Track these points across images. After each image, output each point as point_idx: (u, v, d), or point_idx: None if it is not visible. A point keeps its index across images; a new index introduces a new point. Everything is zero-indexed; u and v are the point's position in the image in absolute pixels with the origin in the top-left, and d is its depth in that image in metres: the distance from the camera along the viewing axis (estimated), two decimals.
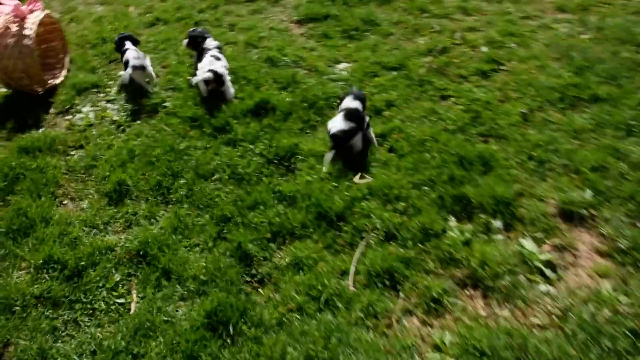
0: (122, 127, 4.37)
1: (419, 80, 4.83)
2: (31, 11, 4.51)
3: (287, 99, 4.51)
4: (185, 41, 4.93)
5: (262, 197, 3.67)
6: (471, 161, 3.93)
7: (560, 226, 3.45)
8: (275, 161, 3.98)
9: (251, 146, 4.10)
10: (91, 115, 4.48)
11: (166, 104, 4.55)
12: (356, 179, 3.86)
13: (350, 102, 4.06)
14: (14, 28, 4.37)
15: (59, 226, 3.48)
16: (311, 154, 4.01)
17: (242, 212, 3.57)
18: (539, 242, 3.36)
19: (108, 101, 4.64)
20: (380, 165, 3.91)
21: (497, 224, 3.52)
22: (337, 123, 3.99)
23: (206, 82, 4.48)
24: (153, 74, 4.81)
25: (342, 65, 5.06)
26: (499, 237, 3.37)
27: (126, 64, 4.73)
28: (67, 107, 4.57)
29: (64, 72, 4.87)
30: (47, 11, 4.68)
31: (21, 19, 4.40)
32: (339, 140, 3.97)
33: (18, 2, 4.56)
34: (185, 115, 4.39)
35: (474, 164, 3.91)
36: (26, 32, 4.35)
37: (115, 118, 4.44)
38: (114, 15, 5.92)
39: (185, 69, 4.87)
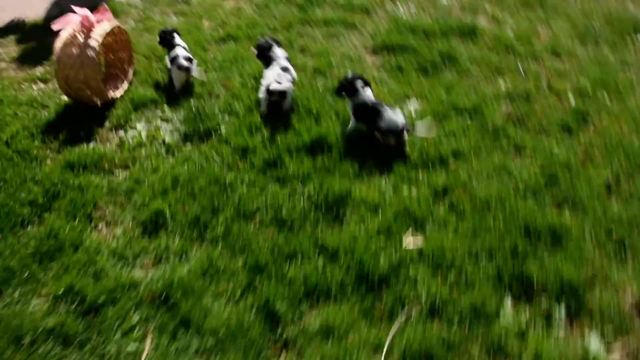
0: (171, 150, 4.21)
1: (493, 129, 4.40)
2: (99, 21, 4.41)
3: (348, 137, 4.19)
4: (254, 50, 4.88)
5: (302, 247, 3.40)
6: (539, 233, 3.50)
7: (637, 324, 2.95)
8: (323, 207, 3.68)
9: (300, 186, 3.82)
10: (143, 133, 4.35)
11: (221, 129, 4.34)
12: (407, 239, 3.51)
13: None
14: (80, 38, 4.27)
15: (87, 254, 3.34)
16: (363, 203, 3.69)
17: (278, 262, 3.32)
18: (608, 340, 2.88)
19: (163, 120, 4.50)
20: (437, 224, 3.53)
21: (561, 312, 3.11)
22: None
23: (269, 95, 4.43)
24: (197, 74, 4.85)
25: (412, 104, 4.72)
26: (561, 329, 2.93)
27: (174, 59, 4.73)
28: (121, 122, 4.47)
29: (125, 85, 4.77)
30: (115, 22, 4.56)
31: (88, 29, 4.30)
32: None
33: (87, 11, 4.47)
34: (237, 143, 4.18)
35: (543, 237, 3.49)
36: (91, 42, 4.27)
37: (167, 139, 4.29)
38: (186, 28, 5.81)
39: (247, 93, 4.66)
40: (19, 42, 5.85)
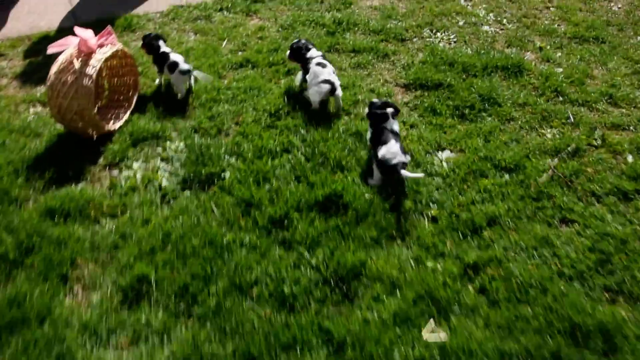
0: (167, 198, 3.73)
1: (536, 192, 3.82)
2: (101, 45, 3.93)
3: (367, 194, 3.64)
4: (288, 53, 4.78)
5: (302, 333, 2.88)
6: (588, 332, 2.92)
7: None
8: (332, 281, 3.14)
9: (308, 254, 3.29)
10: (139, 174, 3.88)
11: (225, 174, 3.83)
12: (427, 331, 2.94)
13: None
14: (77, 64, 3.80)
15: (55, 328, 2.86)
16: (379, 279, 3.13)
17: (273, 353, 2.77)
18: None
19: (163, 159, 4.02)
20: (465, 312, 2.97)
21: None
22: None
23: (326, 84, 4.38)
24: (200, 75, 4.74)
25: (445, 155, 4.14)
26: None
27: (173, 66, 4.61)
28: (116, 159, 4.02)
29: (127, 115, 4.28)
30: (119, 45, 4.09)
31: (87, 55, 3.83)
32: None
33: (90, 33, 4.01)
34: (241, 195, 3.67)
35: (591, 338, 2.91)
36: (88, 70, 3.81)
37: (164, 183, 3.80)
38: (203, 49, 5.33)
39: (259, 131, 4.18)
40: (26, 55, 5.45)
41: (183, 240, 3.39)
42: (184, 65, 4.60)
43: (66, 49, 4.01)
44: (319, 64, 4.49)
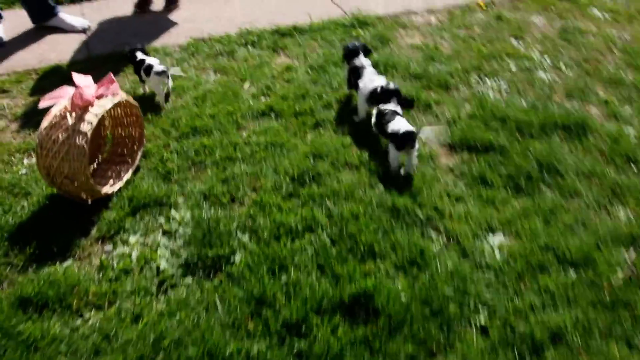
0: (165, 285, 3.13)
1: (610, 295, 3.09)
2: (100, 96, 3.36)
3: (403, 295, 2.98)
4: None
5: None
6: None
7: None
8: None
9: None
10: (135, 252, 3.30)
11: (235, 257, 3.20)
12: None
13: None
14: (70, 119, 3.24)
15: None
16: None
17: None
18: None
19: (165, 233, 3.42)
20: None
21: None
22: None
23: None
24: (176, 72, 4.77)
25: (497, 240, 3.48)
26: None
27: (148, 69, 4.65)
28: (111, 231, 3.40)
29: (128, 174, 3.70)
30: (122, 96, 3.52)
31: (82, 109, 3.26)
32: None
33: (89, 80, 3.45)
34: (252, 288, 3.04)
35: None
36: (82, 127, 3.25)
37: (163, 265, 3.21)
38: (222, 93, 4.77)
39: (278, 202, 3.60)
40: (31, 92, 4.94)
41: (178, 349, 2.77)
42: (158, 67, 4.57)
43: (60, 100, 3.43)
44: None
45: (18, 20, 6.10)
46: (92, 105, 3.47)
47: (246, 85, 5.00)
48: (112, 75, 3.63)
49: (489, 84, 5.13)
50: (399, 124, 3.89)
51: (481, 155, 4.18)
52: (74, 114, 3.42)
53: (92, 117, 3.42)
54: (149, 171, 3.96)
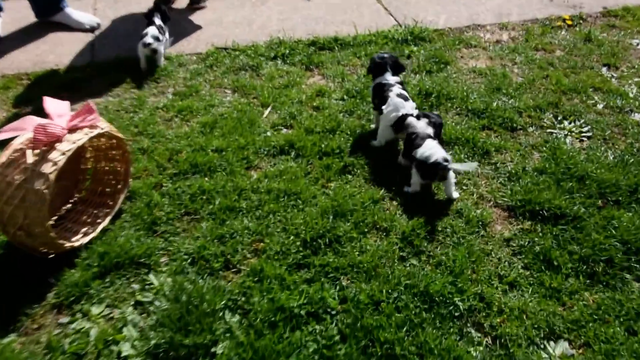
0: None
1: None
2: (74, 129, 3.01)
3: None
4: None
5: None
6: None
7: None
8: None
9: None
10: (95, 331, 2.91)
11: (216, 349, 2.79)
12: None
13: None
14: (31, 157, 2.89)
15: None
16: None
17: None
18: None
19: (137, 304, 3.01)
20: None
21: None
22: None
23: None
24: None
25: (559, 349, 3.01)
26: None
27: (142, 36, 5.12)
28: (71, 298, 3.04)
29: (105, 222, 3.34)
30: (103, 127, 3.15)
31: (48, 145, 2.91)
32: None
33: (66, 106, 3.11)
34: None
35: None
36: (45, 168, 2.89)
37: (126, 351, 2.85)
38: (237, 119, 4.42)
39: (281, 272, 3.31)
40: (16, 102, 4.67)
41: None
42: (146, 39, 5.07)
43: (23, 133, 3.09)
44: (399, 95, 4.22)
45: (21, 13, 5.89)
46: (60, 141, 3.08)
47: (267, 111, 4.56)
48: (91, 104, 3.26)
49: (566, 127, 4.55)
50: (430, 150, 3.74)
51: (548, 225, 3.63)
52: (35, 152, 3.04)
53: (58, 156, 3.06)
54: (132, 218, 3.58)
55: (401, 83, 4.30)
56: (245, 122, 4.40)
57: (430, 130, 3.92)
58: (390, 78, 4.28)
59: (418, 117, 4.01)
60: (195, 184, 3.83)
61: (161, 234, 3.53)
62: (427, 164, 3.70)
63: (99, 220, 3.58)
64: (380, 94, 4.21)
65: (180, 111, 4.51)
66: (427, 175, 3.75)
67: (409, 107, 4.11)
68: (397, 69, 4.33)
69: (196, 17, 6.10)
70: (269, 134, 4.34)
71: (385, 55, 4.35)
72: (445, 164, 3.66)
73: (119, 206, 3.65)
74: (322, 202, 3.72)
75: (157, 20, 5.30)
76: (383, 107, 4.14)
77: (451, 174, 3.78)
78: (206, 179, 3.90)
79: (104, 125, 3.40)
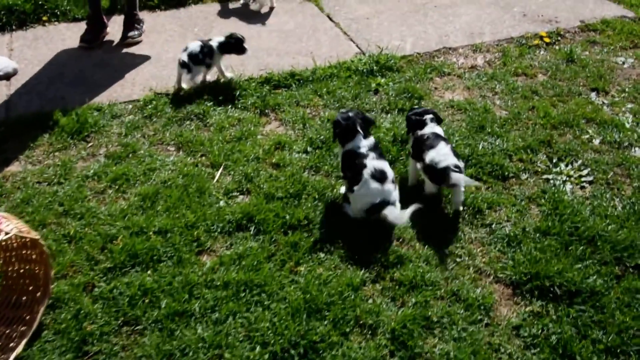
0: None
1: None
2: None
3: None
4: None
5: None
6: None
7: None
8: None
9: None
10: None
11: None
12: None
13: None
14: None
15: None
16: None
17: None
18: None
19: None
20: None
21: None
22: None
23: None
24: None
25: None
26: None
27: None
28: None
29: (20, 348, 2.66)
30: (7, 228, 2.47)
31: None
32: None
33: None
34: None
35: None
36: None
37: None
38: (182, 187, 3.86)
39: None
40: None
41: None
42: (181, 55, 4.82)
43: None
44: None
45: None
46: None
47: (218, 173, 3.94)
48: None
49: (564, 172, 4.06)
50: (440, 155, 3.63)
51: (562, 305, 3.15)
52: None
53: None
54: (56, 336, 2.94)
55: (376, 145, 3.74)
56: (193, 191, 3.77)
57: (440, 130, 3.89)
58: (362, 144, 3.66)
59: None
60: (136, 281, 3.18)
61: (94, 356, 2.85)
62: (437, 169, 3.61)
63: (12, 344, 2.88)
64: (352, 166, 3.62)
65: (115, 180, 3.84)
66: (437, 180, 3.68)
67: (387, 190, 3.55)
68: (368, 127, 3.74)
69: (131, 55, 5.42)
70: (222, 204, 3.71)
71: (350, 113, 3.74)
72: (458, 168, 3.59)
73: (38, 321, 2.96)
74: (292, 296, 3.12)
75: (214, 42, 4.97)
76: (355, 187, 3.57)
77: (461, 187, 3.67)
78: (149, 272, 3.25)
79: (14, 226, 2.71)
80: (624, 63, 5.47)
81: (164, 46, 5.62)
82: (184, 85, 4.88)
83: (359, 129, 3.67)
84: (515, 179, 4.04)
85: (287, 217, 3.63)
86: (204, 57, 4.77)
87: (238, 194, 3.88)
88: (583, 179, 4.07)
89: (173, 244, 3.43)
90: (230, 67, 5.13)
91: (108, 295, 3.14)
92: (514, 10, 6.43)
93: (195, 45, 4.81)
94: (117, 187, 3.88)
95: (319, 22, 6.12)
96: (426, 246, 3.52)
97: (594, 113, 4.69)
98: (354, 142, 3.67)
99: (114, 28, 5.87)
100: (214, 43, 4.88)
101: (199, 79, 4.88)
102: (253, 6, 6.34)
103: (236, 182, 3.95)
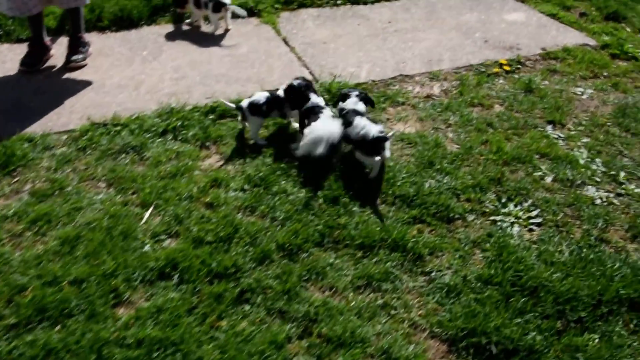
0: None
1: None
2: None
3: None
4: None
5: None
6: None
7: None
8: None
9: None
10: None
11: None
12: None
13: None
14: None
15: None
16: None
17: None
18: None
19: None
20: None
21: None
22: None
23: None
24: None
25: None
26: None
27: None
28: None
29: None
30: None
31: None
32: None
33: None
34: None
35: None
36: None
37: None
38: (107, 229, 3.63)
39: None
40: None
41: None
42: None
43: None
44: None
45: None
46: None
47: (147, 214, 3.71)
48: None
49: (512, 213, 3.90)
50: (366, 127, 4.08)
51: None
52: None
53: None
54: None
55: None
56: (118, 234, 3.55)
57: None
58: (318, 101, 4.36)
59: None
60: (40, 340, 2.95)
61: None
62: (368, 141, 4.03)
63: None
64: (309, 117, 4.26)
65: (35, 221, 3.61)
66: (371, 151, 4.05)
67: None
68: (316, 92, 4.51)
69: (72, 80, 5.18)
70: (147, 248, 3.49)
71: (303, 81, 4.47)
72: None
73: None
74: (208, 356, 2.85)
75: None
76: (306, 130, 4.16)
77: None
78: (57, 329, 3.01)
79: None
80: (582, 94, 5.32)
81: (109, 71, 5.39)
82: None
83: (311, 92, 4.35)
84: (461, 221, 3.86)
85: (214, 264, 3.41)
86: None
87: (166, 237, 3.64)
88: (532, 221, 3.90)
89: (88, 295, 3.20)
90: (175, 94, 4.90)
91: (6, 358, 2.88)
92: (475, 35, 6.25)
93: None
94: (36, 229, 3.64)
95: (273, 46, 5.91)
96: (360, 296, 3.29)
97: (548, 148, 4.52)
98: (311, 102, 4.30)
99: (60, 50, 5.61)
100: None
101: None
102: (207, 28, 6.12)
103: (165, 224, 3.71)
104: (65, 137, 4.51)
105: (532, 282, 3.39)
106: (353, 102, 4.33)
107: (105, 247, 3.50)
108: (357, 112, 4.23)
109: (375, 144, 4.04)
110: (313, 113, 4.26)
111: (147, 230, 3.68)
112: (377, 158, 4.06)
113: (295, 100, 4.39)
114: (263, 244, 3.58)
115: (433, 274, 3.48)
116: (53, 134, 4.52)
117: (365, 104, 4.39)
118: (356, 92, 4.39)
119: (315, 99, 4.36)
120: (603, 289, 3.33)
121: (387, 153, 4.13)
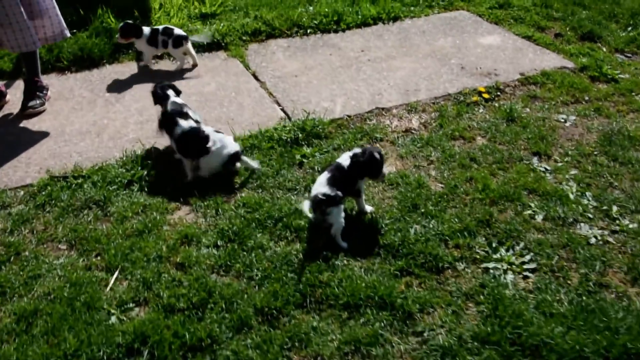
0: None
1: None
2: None
3: None
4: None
5: None
6: None
7: None
8: None
9: None
10: None
11: None
12: None
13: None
14: None
15: None
16: None
17: None
18: None
19: None
20: None
21: None
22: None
23: None
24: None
25: None
26: None
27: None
28: None
29: None
30: None
31: None
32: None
33: None
34: None
35: None
36: None
37: None
38: (69, 300, 3.36)
39: None
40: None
41: None
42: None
43: None
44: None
45: None
46: None
47: (112, 279, 3.40)
48: None
49: (505, 258, 3.65)
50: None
51: None
52: None
53: None
54: None
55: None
56: (80, 306, 3.24)
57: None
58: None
59: None
60: None
61: None
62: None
63: None
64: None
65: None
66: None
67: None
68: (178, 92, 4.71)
69: (29, 129, 4.85)
70: (113, 320, 3.18)
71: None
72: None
73: None
74: None
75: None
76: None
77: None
78: None
79: None
80: (565, 121, 5.13)
81: (69, 116, 5.07)
82: None
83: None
84: (451, 271, 3.60)
85: (187, 336, 3.10)
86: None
87: (134, 305, 3.34)
88: (526, 266, 3.66)
89: None
90: (139, 139, 4.60)
91: None
92: (451, 62, 6.05)
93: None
94: None
95: (243, 81, 5.64)
96: None
97: (536, 183, 4.30)
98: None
99: (16, 95, 5.27)
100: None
101: None
102: (173, 66, 5.84)
103: (132, 290, 3.41)
104: (22, 193, 4.19)
105: (533, 339, 3.13)
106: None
107: (67, 321, 3.18)
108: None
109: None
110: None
111: (113, 298, 3.37)
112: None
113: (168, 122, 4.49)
114: (240, 309, 3.28)
115: (425, 334, 3.20)
116: (8, 190, 4.21)
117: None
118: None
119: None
120: (609, 344, 3.08)
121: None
